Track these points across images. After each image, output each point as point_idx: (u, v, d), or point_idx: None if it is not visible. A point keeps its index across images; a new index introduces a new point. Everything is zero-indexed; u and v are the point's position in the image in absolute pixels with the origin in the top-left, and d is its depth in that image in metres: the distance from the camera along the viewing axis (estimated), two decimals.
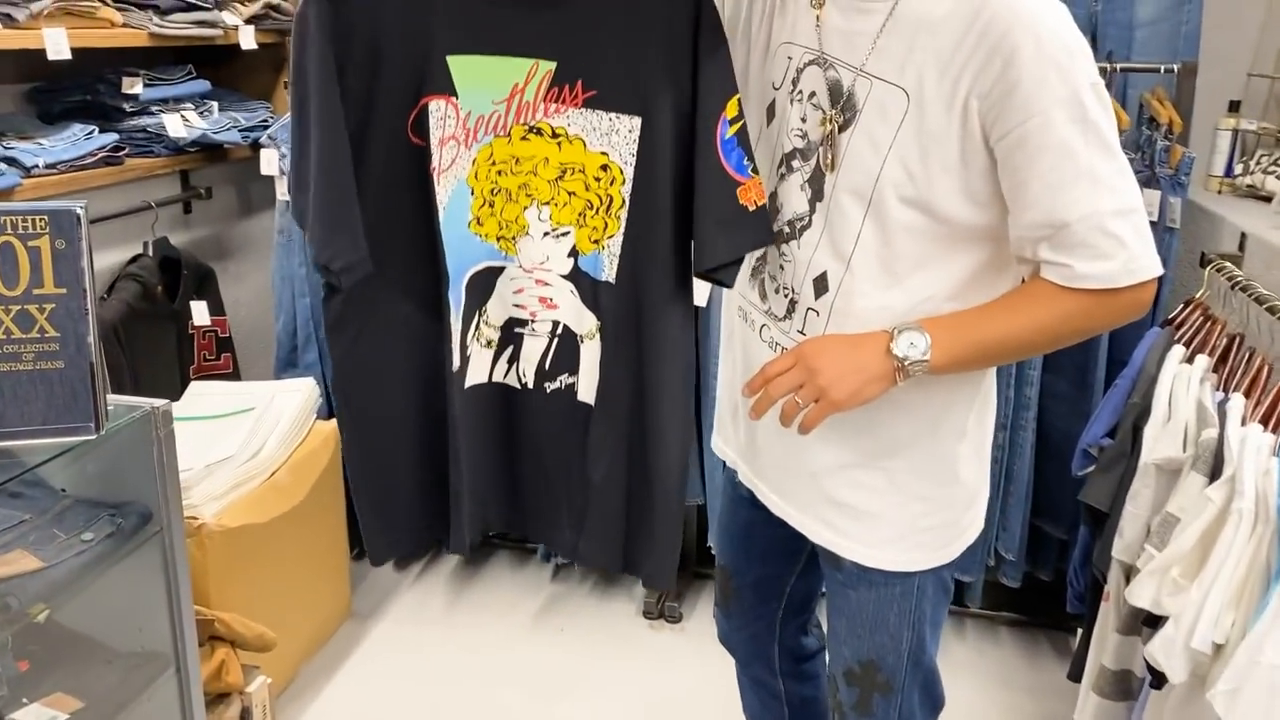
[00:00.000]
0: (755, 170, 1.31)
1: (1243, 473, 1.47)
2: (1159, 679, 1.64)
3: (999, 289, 1.28)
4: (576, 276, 1.40)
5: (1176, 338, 1.93)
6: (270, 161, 2.65)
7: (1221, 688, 1.33)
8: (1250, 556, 1.42)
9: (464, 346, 1.43)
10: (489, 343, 1.45)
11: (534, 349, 1.45)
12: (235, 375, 2.86)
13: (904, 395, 1.25)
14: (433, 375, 1.43)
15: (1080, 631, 2.19)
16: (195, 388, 2.61)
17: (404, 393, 1.45)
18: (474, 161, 1.35)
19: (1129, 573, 1.81)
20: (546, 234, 1.38)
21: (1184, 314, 1.99)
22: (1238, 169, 2.49)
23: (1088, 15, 2.51)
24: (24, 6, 2.12)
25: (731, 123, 1.30)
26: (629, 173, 1.34)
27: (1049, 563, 2.56)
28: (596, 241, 1.38)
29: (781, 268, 1.33)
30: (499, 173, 1.35)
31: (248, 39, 2.83)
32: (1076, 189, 1.13)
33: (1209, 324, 1.92)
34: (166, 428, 1.55)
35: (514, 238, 1.39)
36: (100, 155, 2.42)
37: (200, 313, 2.71)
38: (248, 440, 2.38)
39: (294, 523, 2.39)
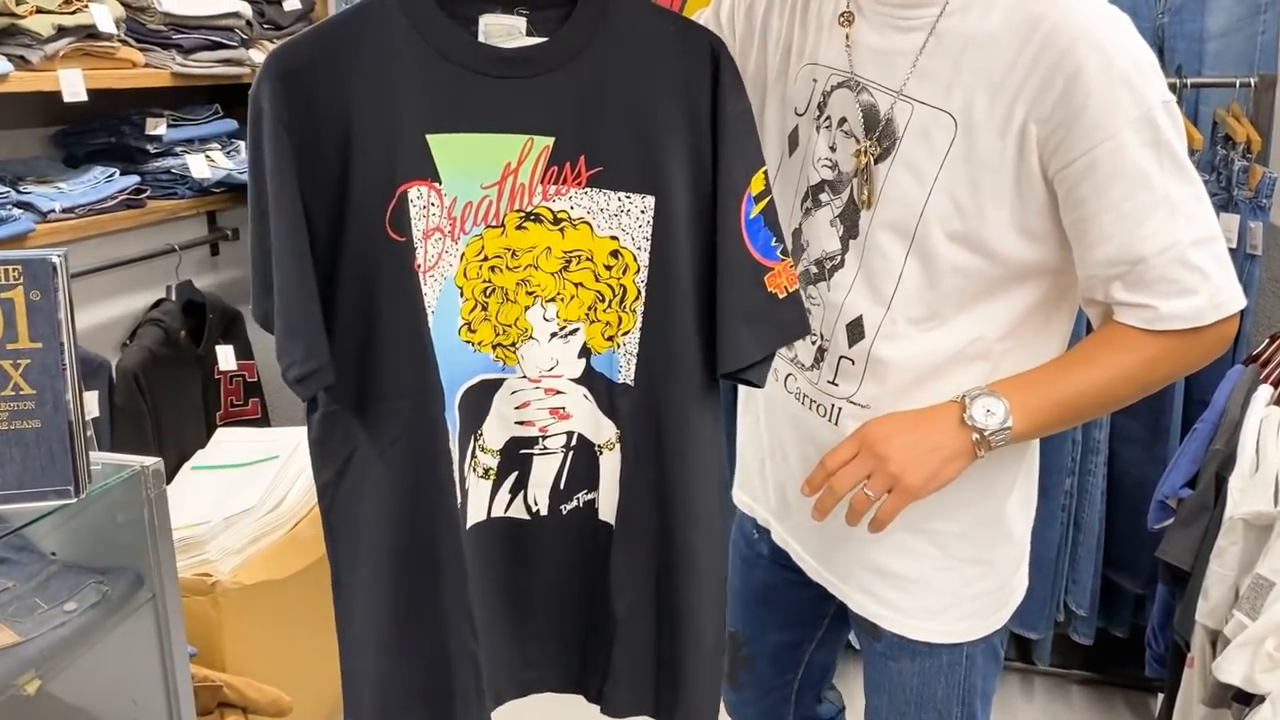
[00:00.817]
0: (785, 252, 1.15)
1: None
2: None
3: (1054, 326, 1.16)
4: (590, 379, 1.20)
5: (1262, 376, 1.76)
6: None
7: None
8: None
9: (461, 479, 1.22)
10: (486, 471, 1.24)
11: (546, 469, 1.24)
12: (265, 421, 2.79)
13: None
14: (434, 518, 1.20)
15: (1162, 696, 2.01)
16: (220, 435, 2.54)
17: (399, 543, 1.21)
18: (462, 257, 1.14)
19: (1215, 639, 1.64)
20: (554, 334, 1.18)
21: (1270, 350, 1.81)
22: None
23: (1154, 28, 2.34)
24: (39, 48, 2.06)
25: (757, 200, 1.14)
26: (643, 259, 1.15)
27: (1124, 618, 2.37)
28: (610, 339, 1.18)
29: (809, 311, 1.19)
30: (492, 269, 1.15)
31: None
32: (1153, 220, 1.02)
33: None
34: (157, 488, 1.45)
35: (514, 344, 1.19)
36: (121, 198, 2.36)
37: (226, 357, 2.64)
38: (269, 490, 2.29)
39: (316, 578, 2.27)
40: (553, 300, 1.16)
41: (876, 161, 1.12)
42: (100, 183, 2.33)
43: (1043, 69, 1.01)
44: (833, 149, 1.17)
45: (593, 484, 1.23)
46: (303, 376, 1.14)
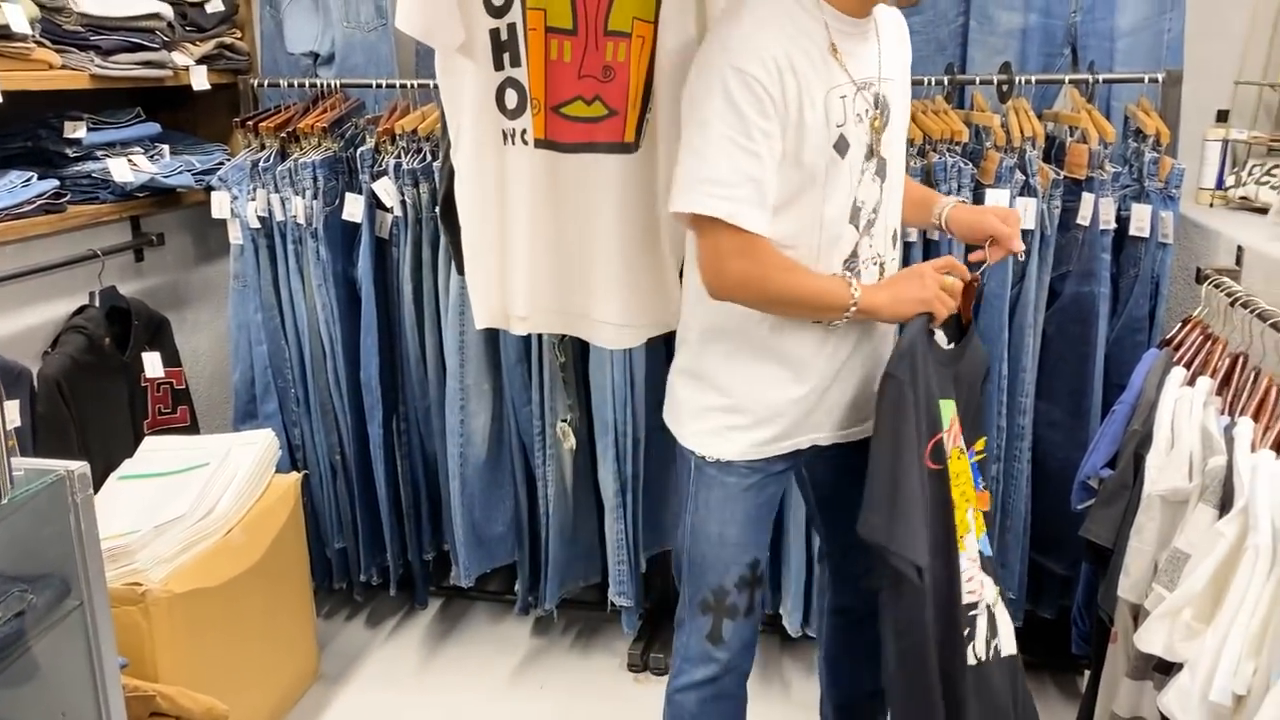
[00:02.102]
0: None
1: (1256, 504, 1.35)
2: None
3: None
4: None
5: (1176, 359, 1.81)
6: (222, 205, 2.54)
7: None
8: (1270, 597, 1.30)
9: None
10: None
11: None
12: (194, 428, 2.74)
13: None
14: None
15: (1088, 673, 2.06)
16: (149, 443, 2.49)
17: None
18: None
19: (1137, 613, 1.68)
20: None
21: (1183, 333, 1.87)
22: (1229, 180, 2.38)
23: (1066, 26, 2.42)
24: None
25: (976, 454, 1.71)
26: None
27: (1052, 601, 2.43)
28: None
29: (870, 246, 1.61)
30: None
31: (200, 80, 2.73)
32: None
33: (1210, 343, 1.80)
34: (83, 493, 1.42)
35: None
36: (39, 203, 2.31)
37: (153, 364, 2.59)
38: (200, 498, 2.25)
39: (252, 583, 2.25)
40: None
41: (884, 129, 1.57)
42: (17, 187, 2.27)
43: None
44: (861, 130, 1.55)
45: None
46: None
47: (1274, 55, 2.37)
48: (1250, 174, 2.32)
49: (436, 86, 2.43)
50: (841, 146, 1.52)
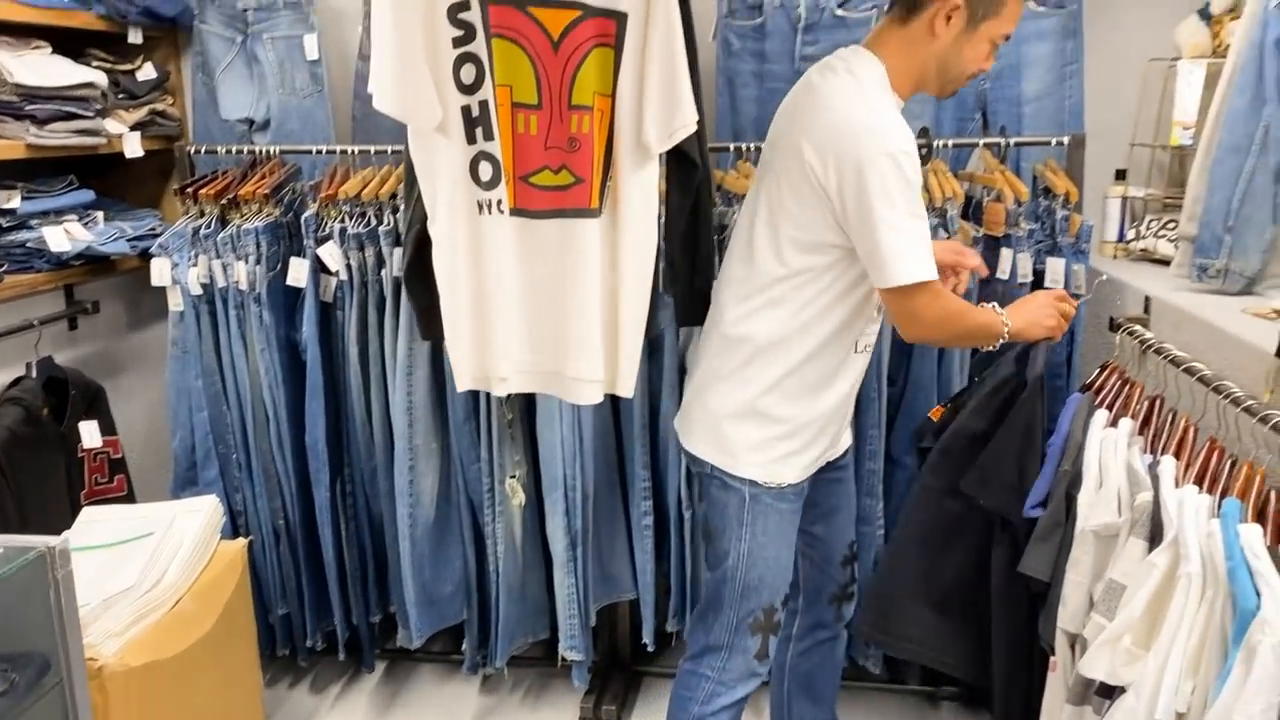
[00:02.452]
0: None
1: (1185, 535, 1.47)
2: None
3: None
4: None
5: (1098, 402, 1.95)
6: (162, 272, 2.53)
7: None
8: (1204, 621, 1.41)
9: None
10: None
11: None
12: (130, 498, 2.70)
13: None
14: None
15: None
16: (87, 514, 2.44)
17: None
18: None
19: (1074, 642, 1.80)
20: None
21: (1102, 378, 2.02)
22: (1129, 234, 2.57)
23: (977, 93, 2.59)
24: None
25: None
26: None
27: None
28: None
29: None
30: None
31: (133, 146, 2.74)
32: None
33: (1128, 387, 1.94)
34: (64, 568, 1.43)
35: None
36: None
37: (90, 434, 2.56)
38: (147, 568, 2.22)
39: (203, 653, 2.23)
40: None
41: None
42: None
43: None
44: None
45: None
46: None
47: (1163, 119, 2.57)
48: (1149, 228, 2.51)
49: (382, 152, 2.54)
50: None
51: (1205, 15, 2.46)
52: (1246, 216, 2.01)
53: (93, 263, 2.63)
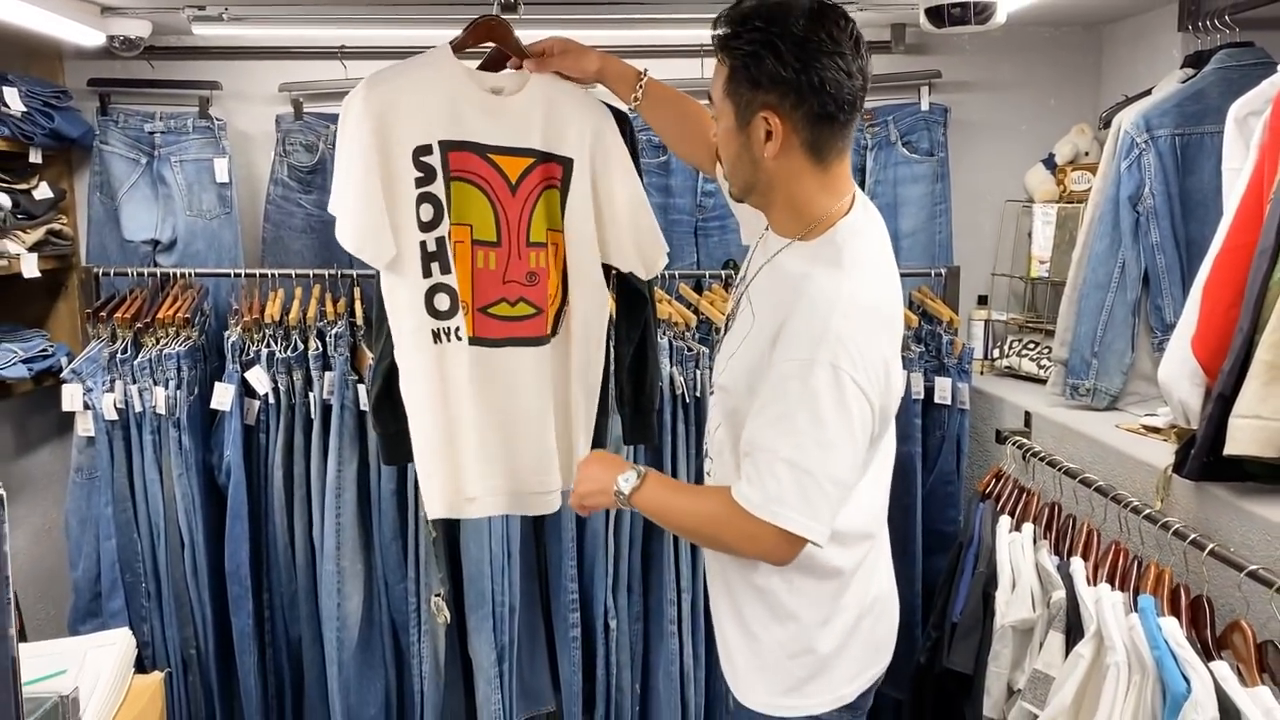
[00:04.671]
0: None
1: (1109, 629, 1.69)
2: None
3: None
4: None
5: (999, 508, 2.19)
6: (74, 398, 2.47)
7: None
8: (1134, 704, 1.63)
9: None
10: None
11: None
12: (22, 635, 2.55)
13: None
14: None
15: None
16: None
17: None
18: None
19: None
20: None
21: (997, 486, 2.27)
22: (994, 353, 2.90)
23: None
24: None
25: None
26: None
27: None
28: None
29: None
30: None
31: (30, 267, 2.66)
32: (766, 429, 1.40)
33: (1024, 494, 2.20)
34: (75, 716, 1.40)
35: None
36: None
37: None
38: None
39: None
40: None
41: (730, 323, 1.64)
42: None
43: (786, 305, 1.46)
44: (730, 307, 1.69)
45: None
46: None
47: (1018, 253, 2.93)
48: (1011, 348, 2.83)
49: (303, 276, 2.58)
50: None
51: (1050, 165, 2.84)
52: (1109, 343, 2.33)
53: None
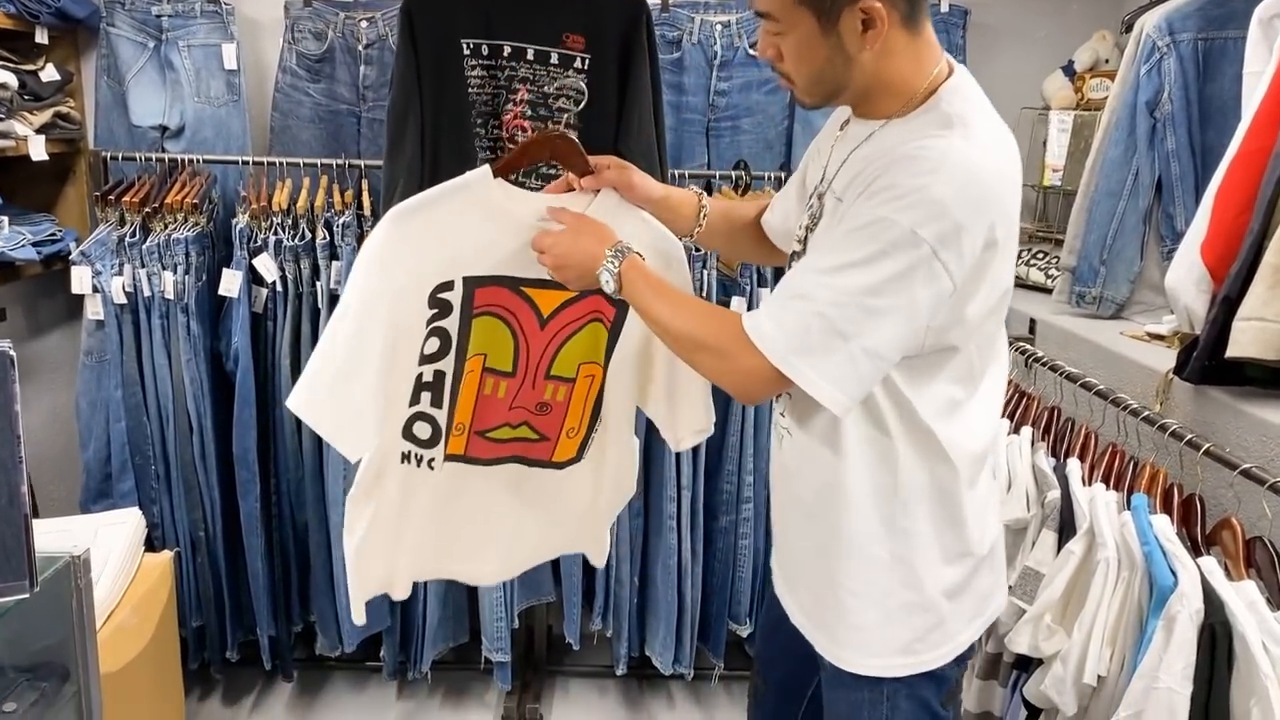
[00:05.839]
0: None
1: (1100, 526, 1.72)
2: (1034, 714, 1.86)
3: None
4: None
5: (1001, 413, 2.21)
6: (83, 280, 2.48)
7: (1123, 714, 1.55)
8: (1121, 598, 1.66)
9: None
10: None
11: None
12: (34, 512, 2.60)
13: (850, 492, 1.36)
14: None
15: None
16: None
17: None
18: None
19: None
20: None
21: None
22: None
23: None
24: None
25: None
26: None
27: None
28: None
29: None
30: None
31: (38, 149, 2.65)
32: (814, 274, 1.24)
33: (1024, 399, 2.21)
34: (85, 576, 1.44)
35: None
36: None
37: None
38: None
39: (143, 666, 2.21)
40: None
41: (809, 236, 1.40)
42: None
43: (882, 166, 1.22)
44: (800, 227, 1.44)
45: None
46: None
47: (1032, 161, 2.89)
48: (1020, 258, 2.82)
49: (312, 164, 2.56)
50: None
51: (1069, 72, 2.79)
52: (1118, 251, 2.32)
53: (1, 269, 2.54)
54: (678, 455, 2.59)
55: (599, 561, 1.94)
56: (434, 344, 1.59)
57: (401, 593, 1.78)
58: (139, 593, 2.29)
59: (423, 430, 1.64)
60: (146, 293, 2.49)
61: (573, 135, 1.59)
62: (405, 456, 1.65)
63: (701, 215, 1.63)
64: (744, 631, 2.76)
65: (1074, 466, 1.90)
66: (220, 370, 2.61)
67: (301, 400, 1.47)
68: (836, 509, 1.39)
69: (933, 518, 1.38)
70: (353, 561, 1.67)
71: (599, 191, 1.58)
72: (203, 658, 2.74)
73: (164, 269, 2.48)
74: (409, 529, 1.70)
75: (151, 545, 2.63)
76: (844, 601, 1.40)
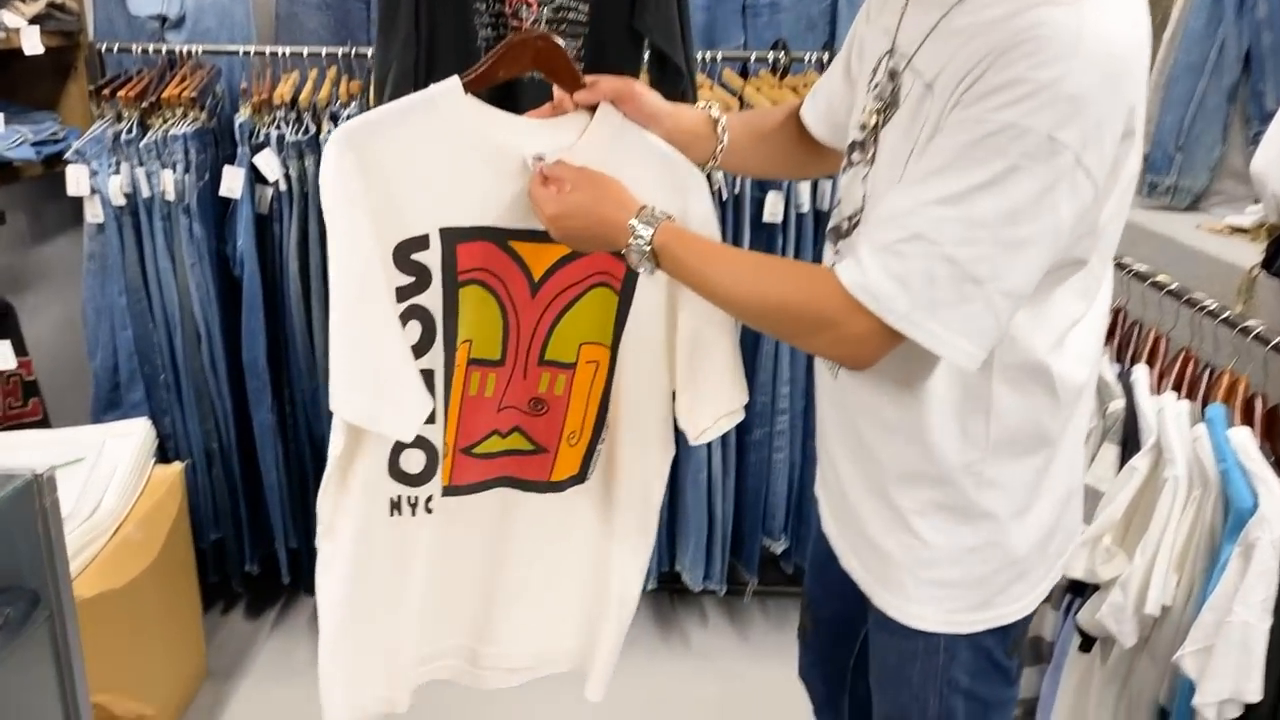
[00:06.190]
0: None
1: (1169, 441, 1.55)
2: (1088, 642, 1.71)
3: None
4: None
5: None
6: (79, 181, 2.35)
7: (1190, 648, 1.40)
8: (1191, 521, 1.50)
9: None
10: None
11: None
12: (45, 423, 2.53)
13: (926, 430, 1.14)
14: None
15: None
16: (5, 440, 2.29)
17: None
18: None
19: None
20: None
21: None
22: None
23: None
24: None
25: None
26: None
27: None
28: None
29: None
30: None
31: (32, 42, 2.50)
32: (932, 206, 0.98)
33: None
34: (51, 495, 1.33)
35: None
36: None
37: (3, 355, 2.38)
38: (83, 495, 2.11)
39: (150, 581, 2.14)
40: None
41: (882, 125, 1.14)
42: None
43: (990, 58, 0.97)
44: (864, 110, 1.20)
45: None
46: None
47: None
48: None
49: (315, 55, 2.39)
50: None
51: None
52: (1197, 135, 2.10)
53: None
54: None
55: (596, 693, 1.58)
56: (414, 331, 1.26)
57: (404, 705, 1.48)
58: (147, 506, 2.22)
59: (413, 461, 1.33)
60: (146, 193, 2.36)
61: (557, 39, 1.27)
62: (395, 506, 1.35)
63: (720, 131, 1.37)
64: (778, 548, 2.63)
65: (1141, 374, 1.72)
66: (228, 275, 2.48)
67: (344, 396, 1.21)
68: (905, 446, 1.17)
69: (1024, 456, 1.16)
70: (337, 686, 1.39)
71: (595, 110, 1.28)
72: (224, 571, 2.68)
73: (163, 168, 2.34)
74: (409, 614, 1.40)
75: (165, 457, 2.55)
76: (911, 552, 1.20)
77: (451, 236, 1.24)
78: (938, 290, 0.98)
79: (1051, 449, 1.17)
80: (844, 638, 1.50)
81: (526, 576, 1.51)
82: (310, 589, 2.73)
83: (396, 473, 1.34)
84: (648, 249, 1.15)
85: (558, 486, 1.46)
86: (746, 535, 2.61)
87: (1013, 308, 1.01)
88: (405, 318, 1.25)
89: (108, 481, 2.18)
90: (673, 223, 1.17)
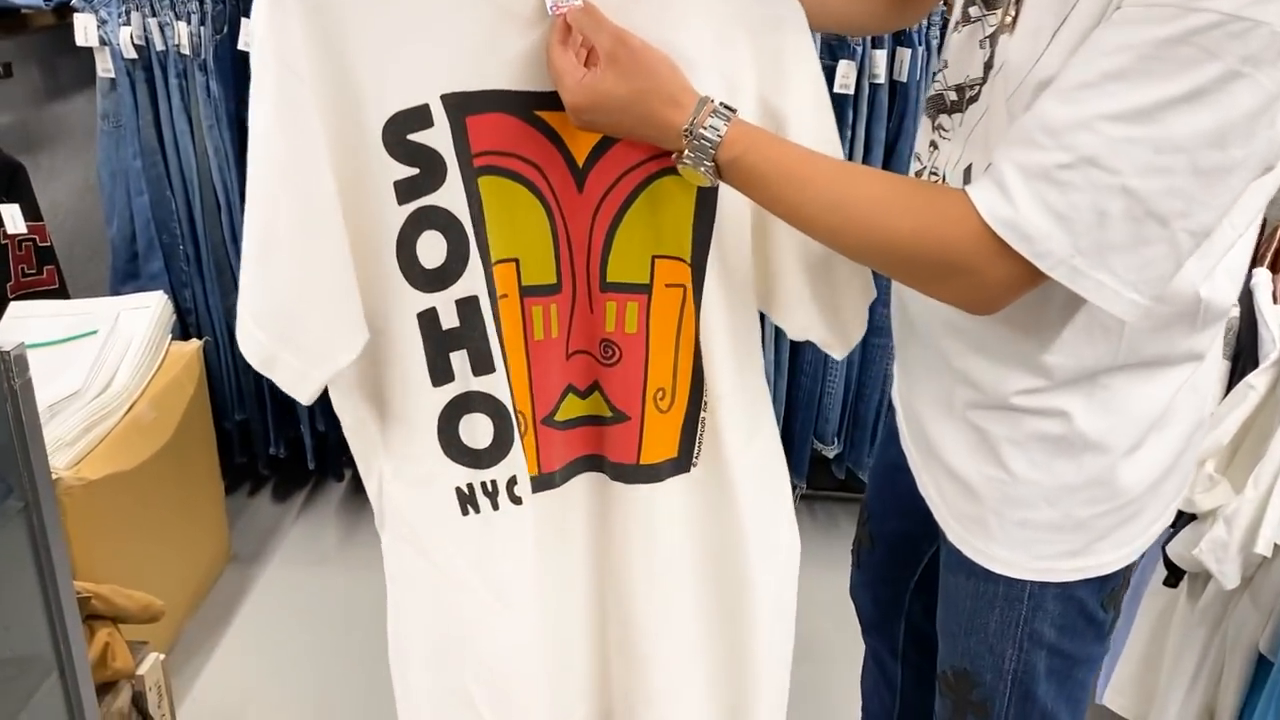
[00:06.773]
0: None
1: None
2: (1175, 576, 1.54)
3: None
4: None
5: None
6: (87, 30, 2.17)
7: None
8: None
9: None
10: None
11: None
12: (62, 292, 2.41)
13: (1040, 359, 0.95)
14: None
15: None
16: (16, 309, 2.17)
17: None
18: None
19: None
20: None
21: None
22: None
23: None
24: None
25: None
26: None
27: None
28: None
29: (935, 145, 1.02)
30: None
31: None
32: (1109, 123, 0.77)
33: None
34: (22, 376, 1.19)
35: None
36: None
37: (13, 218, 2.23)
38: (94, 370, 1.99)
39: (165, 462, 2.03)
40: None
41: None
42: None
43: None
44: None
45: None
46: None
47: None
48: None
49: None
50: None
51: None
52: None
53: (3, 18, 2.24)
54: None
55: None
56: (436, 246, 0.92)
57: None
58: (162, 384, 2.09)
59: (476, 431, 0.97)
60: (159, 46, 2.17)
61: None
62: (464, 497, 0.98)
63: None
64: (830, 452, 2.46)
65: (1262, 279, 1.51)
66: (248, 139, 2.30)
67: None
68: (1007, 360, 0.97)
69: (1151, 379, 0.97)
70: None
71: None
72: (250, 452, 2.57)
73: (176, 19, 2.15)
74: (528, 673, 1.04)
75: (186, 333, 2.43)
76: (999, 487, 1.02)
77: (457, 105, 0.90)
78: (1110, 230, 0.78)
79: (1184, 373, 0.98)
80: (906, 558, 1.31)
81: (630, 615, 1.11)
82: (339, 475, 2.63)
83: (453, 448, 0.98)
84: (711, 165, 0.89)
85: (654, 474, 1.06)
86: (797, 436, 2.44)
87: (1196, 248, 0.81)
88: (416, 227, 0.92)
89: (121, 356, 2.06)
90: (746, 125, 0.90)
